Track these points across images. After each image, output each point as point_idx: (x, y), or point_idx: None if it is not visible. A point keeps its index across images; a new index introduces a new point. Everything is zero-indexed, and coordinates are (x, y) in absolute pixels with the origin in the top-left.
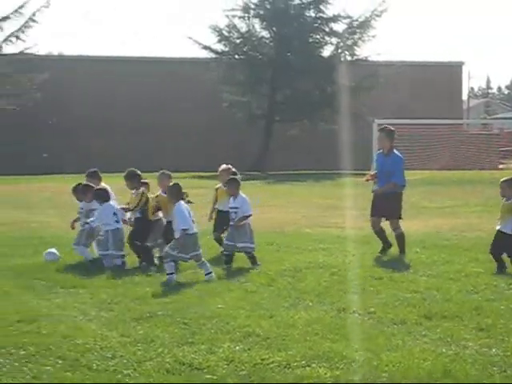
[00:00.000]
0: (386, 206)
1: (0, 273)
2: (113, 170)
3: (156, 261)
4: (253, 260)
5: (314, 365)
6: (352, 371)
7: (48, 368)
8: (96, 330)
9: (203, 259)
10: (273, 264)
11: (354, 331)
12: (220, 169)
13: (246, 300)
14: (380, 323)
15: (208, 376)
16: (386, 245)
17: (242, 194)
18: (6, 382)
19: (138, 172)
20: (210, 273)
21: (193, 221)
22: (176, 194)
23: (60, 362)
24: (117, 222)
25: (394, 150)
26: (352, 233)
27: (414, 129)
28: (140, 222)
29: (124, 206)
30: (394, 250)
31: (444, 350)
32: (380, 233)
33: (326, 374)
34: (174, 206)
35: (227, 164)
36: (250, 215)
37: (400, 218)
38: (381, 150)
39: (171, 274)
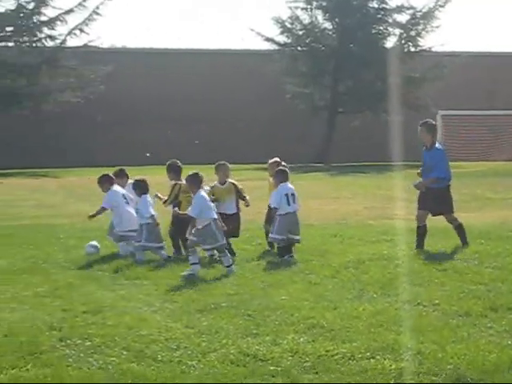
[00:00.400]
0: (434, 201)
1: (64, 264)
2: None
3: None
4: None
5: (378, 356)
6: (417, 363)
7: (113, 359)
8: (161, 321)
9: (226, 251)
10: (336, 256)
11: (418, 323)
12: (269, 161)
13: (309, 292)
14: (445, 315)
15: (272, 367)
16: (419, 245)
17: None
18: (72, 372)
19: (179, 164)
20: (231, 265)
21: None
22: (197, 182)
23: (125, 352)
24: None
25: (436, 144)
26: (414, 225)
27: (479, 120)
28: (177, 217)
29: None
30: (458, 241)
31: (510, 342)
32: (421, 229)
33: (390, 365)
34: (195, 195)
35: (278, 158)
36: (270, 207)
37: (452, 211)
38: (424, 145)
39: (195, 263)
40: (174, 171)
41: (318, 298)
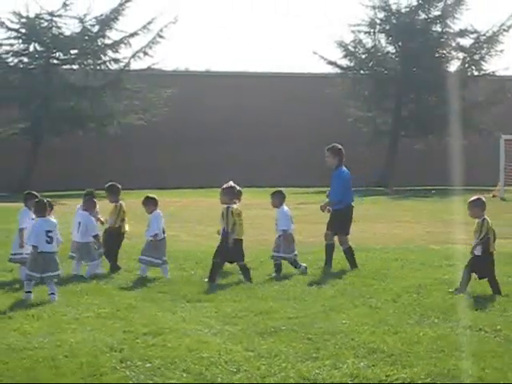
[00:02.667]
0: (332, 221)
1: (126, 285)
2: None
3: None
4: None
5: (439, 382)
6: None
7: (173, 381)
8: (220, 343)
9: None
10: (398, 280)
11: (479, 349)
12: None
13: (370, 316)
14: (507, 341)
15: None
16: (327, 262)
17: (284, 207)
18: None
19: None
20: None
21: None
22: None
23: (185, 375)
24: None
25: (341, 168)
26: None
27: None
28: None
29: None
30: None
31: None
32: (328, 247)
33: None
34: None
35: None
36: (283, 230)
37: (344, 233)
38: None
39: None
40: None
41: (379, 323)
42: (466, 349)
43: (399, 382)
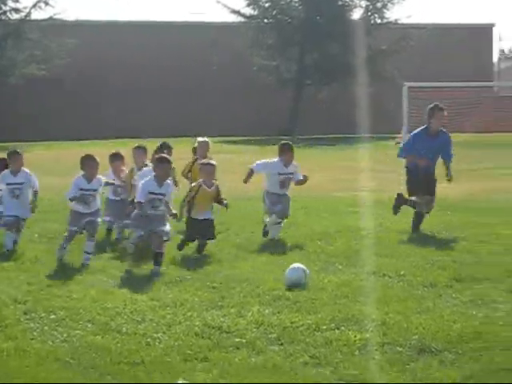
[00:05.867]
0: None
1: (31, 238)
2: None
3: None
4: None
5: (343, 328)
6: (382, 334)
7: (78, 332)
8: (126, 294)
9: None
10: (303, 227)
11: (383, 294)
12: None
13: (275, 264)
14: (410, 286)
15: (237, 339)
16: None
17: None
18: (36, 345)
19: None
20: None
21: None
22: None
23: (90, 325)
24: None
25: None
26: (383, 196)
27: (445, 92)
28: None
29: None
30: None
31: (474, 313)
32: None
33: (355, 336)
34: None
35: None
36: None
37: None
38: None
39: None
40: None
41: (284, 271)
42: (370, 294)
43: (304, 328)
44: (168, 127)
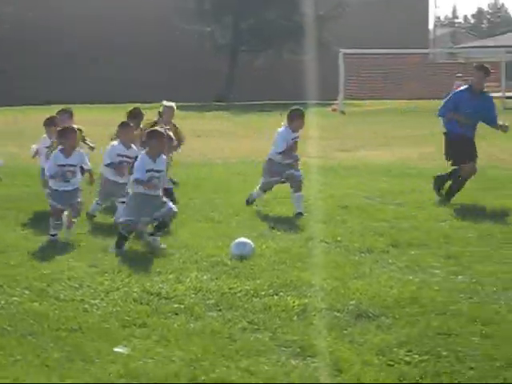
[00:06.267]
0: None
1: None
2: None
3: None
4: None
5: (281, 293)
6: (320, 299)
7: (15, 298)
8: (63, 260)
9: None
10: (239, 194)
11: (321, 260)
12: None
13: (213, 230)
14: (347, 252)
15: (176, 305)
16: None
17: None
18: None
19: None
20: None
21: None
22: None
23: (27, 292)
24: None
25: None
26: (320, 162)
27: (380, 58)
28: None
29: None
30: (358, 179)
31: (411, 278)
32: None
33: (293, 302)
34: None
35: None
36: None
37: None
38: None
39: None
40: None
41: (222, 237)
42: (308, 260)
43: (242, 294)
44: (101, 94)
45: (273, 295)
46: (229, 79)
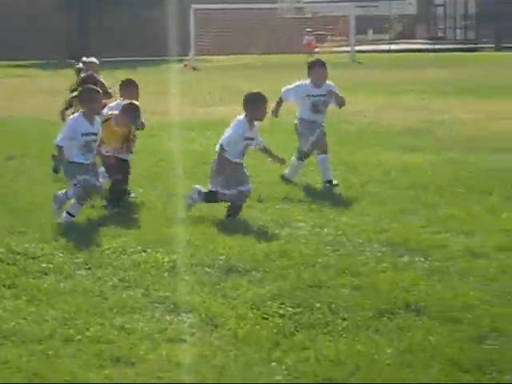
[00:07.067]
0: None
1: None
2: None
3: None
4: None
5: (150, 250)
6: (189, 255)
7: None
8: None
9: None
10: None
11: (187, 216)
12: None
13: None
14: (212, 208)
15: (44, 265)
16: None
17: None
18: None
19: None
20: None
21: None
22: None
23: None
24: None
25: None
26: (177, 119)
27: (231, 13)
28: None
29: None
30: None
31: (278, 232)
32: None
33: (163, 258)
34: None
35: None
36: None
37: None
38: None
39: None
40: None
41: None
42: (173, 216)
43: (110, 251)
44: None
45: (141, 252)
46: (80, 37)
